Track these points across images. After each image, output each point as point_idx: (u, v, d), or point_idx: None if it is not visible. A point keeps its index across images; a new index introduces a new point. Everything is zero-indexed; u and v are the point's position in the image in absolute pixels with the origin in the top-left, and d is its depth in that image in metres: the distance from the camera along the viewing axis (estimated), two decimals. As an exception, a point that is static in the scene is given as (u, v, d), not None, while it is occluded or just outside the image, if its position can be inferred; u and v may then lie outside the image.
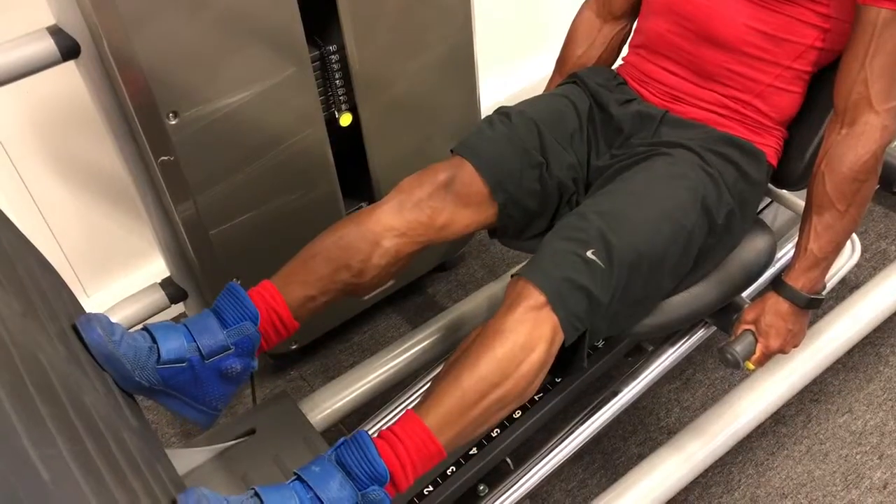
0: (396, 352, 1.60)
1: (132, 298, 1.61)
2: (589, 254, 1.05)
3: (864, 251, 1.96)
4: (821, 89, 1.22)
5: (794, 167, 1.27)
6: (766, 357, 1.22)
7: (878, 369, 1.75)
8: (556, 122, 1.26)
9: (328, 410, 1.51)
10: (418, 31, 1.51)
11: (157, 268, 1.87)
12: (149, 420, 1.52)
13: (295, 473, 0.93)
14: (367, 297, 1.56)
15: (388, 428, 0.98)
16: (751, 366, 1.21)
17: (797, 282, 1.17)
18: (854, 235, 1.36)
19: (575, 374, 1.22)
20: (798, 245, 1.18)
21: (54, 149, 1.67)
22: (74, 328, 0.95)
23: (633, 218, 1.10)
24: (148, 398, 1.05)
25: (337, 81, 1.47)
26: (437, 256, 1.96)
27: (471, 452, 1.37)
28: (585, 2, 1.41)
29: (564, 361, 1.11)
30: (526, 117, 1.24)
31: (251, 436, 1.26)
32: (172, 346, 1.02)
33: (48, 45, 1.19)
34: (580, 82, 1.32)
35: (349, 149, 1.57)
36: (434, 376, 1.22)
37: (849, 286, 1.87)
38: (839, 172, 1.11)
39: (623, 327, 1.16)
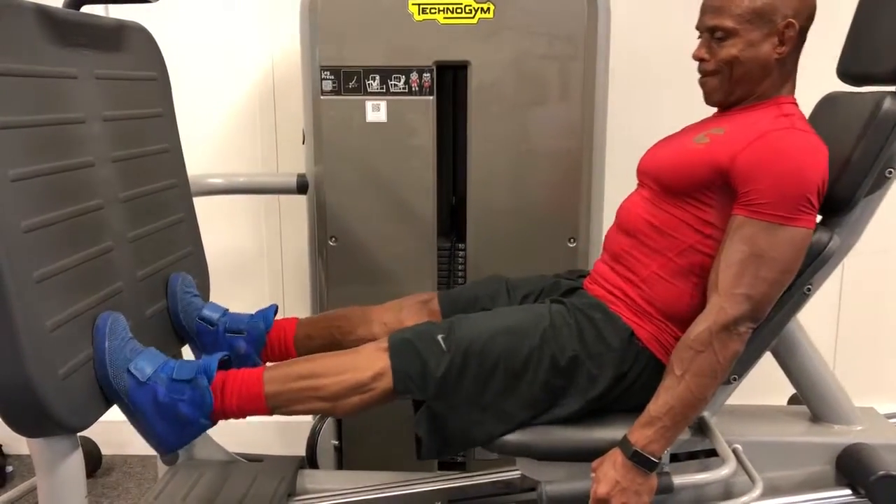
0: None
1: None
2: (439, 337, 1.42)
3: None
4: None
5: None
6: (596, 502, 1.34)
7: None
8: (520, 286, 1.67)
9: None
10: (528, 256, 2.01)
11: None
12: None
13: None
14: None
15: None
16: None
17: (632, 435, 1.35)
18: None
19: (426, 456, 1.45)
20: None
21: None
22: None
23: (479, 322, 1.45)
24: (184, 338, 1.68)
25: (459, 268, 2.05)
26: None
27: None
28: None
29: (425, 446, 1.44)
30: (501, 277, 1.70)
31: None
32: (211, 313, 1.66)
33: (292, 180, 2.06)
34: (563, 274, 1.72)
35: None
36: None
37: None
38: (682, 341, 1.35)
39: (464, 426, 1.41)
